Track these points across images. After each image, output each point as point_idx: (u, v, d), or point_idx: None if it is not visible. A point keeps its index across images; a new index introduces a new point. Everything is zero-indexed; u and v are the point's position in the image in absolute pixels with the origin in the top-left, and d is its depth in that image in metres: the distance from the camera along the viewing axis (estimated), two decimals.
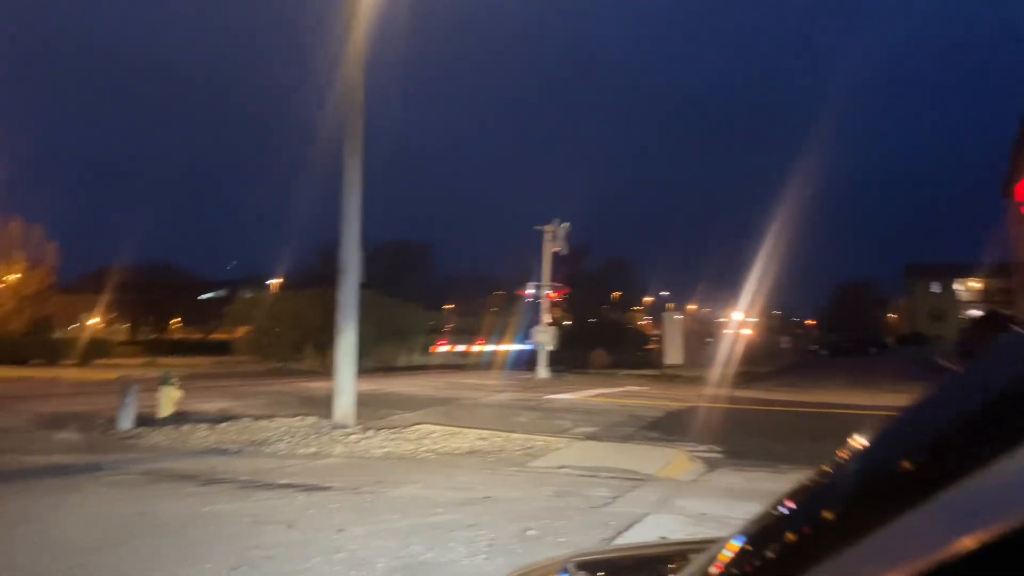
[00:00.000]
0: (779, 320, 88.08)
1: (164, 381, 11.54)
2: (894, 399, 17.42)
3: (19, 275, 40.02)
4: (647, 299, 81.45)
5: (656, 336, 52.98)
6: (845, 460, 0.71)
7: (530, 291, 27.27)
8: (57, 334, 48.79)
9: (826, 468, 0.73)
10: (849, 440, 0.72)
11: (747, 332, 46.33)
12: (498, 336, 42.32)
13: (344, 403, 10.91)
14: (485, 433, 10.26)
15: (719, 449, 9.53)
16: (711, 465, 8.32)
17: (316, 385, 18.58)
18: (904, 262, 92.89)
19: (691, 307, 56.82)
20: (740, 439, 10.67)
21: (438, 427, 10.80)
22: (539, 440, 9.78)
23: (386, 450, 8.97)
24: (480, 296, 72.23)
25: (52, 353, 32.75)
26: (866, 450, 0.70)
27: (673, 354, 31.90)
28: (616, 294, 79.64)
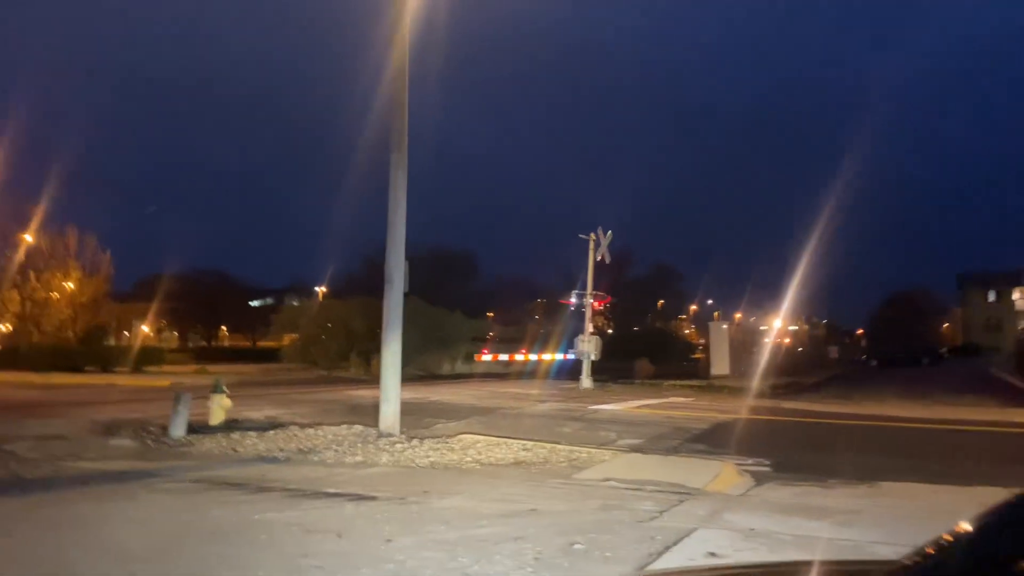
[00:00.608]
0: (827, 330, 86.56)
1: (215, 389, 11.75)
2: (948, 412, 17.00)
3: (74, 284, 41.21)
4: (692, 307, 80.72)
5: (702, 345, 52.44)
6: (949, 544, 0.66)
7: (573, 300, 27.14)
8: (111, 341, 50.04)
9: (929, 550, 0.68)
10: (954, 525, 0.68)
11: (794, 342, 45.65)
12: (540, 345, 42.29)
13: (389, 412, 11.02)
14: (529, 444, 10.26)
15: (767, 462, 9.39)
16: (759, 479, 8.20)
17: (361, 393, 18.77)
18: (958, 270, 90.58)
19: (737, 316, 56.08)
20: (788, 452, 10.51)
21: (482, 437, 10.83)
22: (583, 452, 9.74)
23: (431, 460, 9.02)
24: (522, 304, 72.30)
25: (106, 360, 33.55)
26: (975, 537, 0.65)
27: (719, 364, 31.55)
28: (661, 302, 79.05)
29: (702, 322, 62.48)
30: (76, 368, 31.43)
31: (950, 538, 0.67)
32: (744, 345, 34.60)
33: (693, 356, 53.66)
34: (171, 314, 60.01)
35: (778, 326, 40.83)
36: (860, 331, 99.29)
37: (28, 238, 37.79)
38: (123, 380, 25.98)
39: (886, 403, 19.95)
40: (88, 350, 36.55)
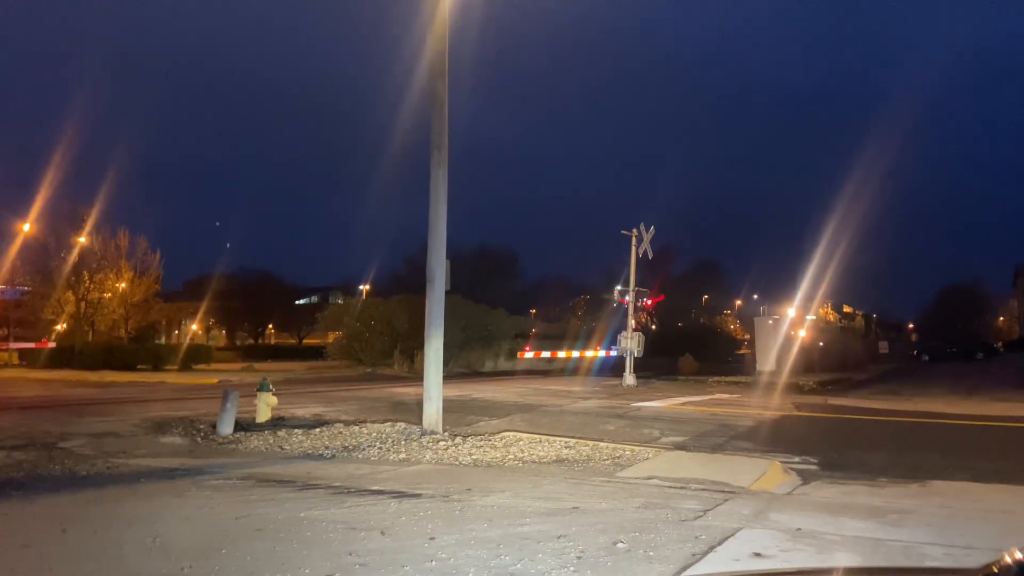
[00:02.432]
0: (877, 324, 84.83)
1: (261, 387, 11.95)
2: (1002, 409, 16.55)
3: (126, 284, 42.20)
4: (737, 302, 79.66)
5: (747, 341, 51.76)
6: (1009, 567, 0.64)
7: (627, 298, 26.93)
8: (161, 340, 51.13)
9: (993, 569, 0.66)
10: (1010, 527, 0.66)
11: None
12: (583, 342, 42.15)
13: (432, 410, 11.09)
14: (571, 441, 10.25)
15: (814, 460, 9.25)
16: (806, 477, 8.07)
17: (404, 390, 18.92)
18: (1015, 262, 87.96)
19: (784, 310, 55.18)
20: (836, 450, 10.32)
21: (524, 435, 10.85)
22: (626, 449, 9.70)
23: (474, 457, 9.05)
24: (565, 301, 72.16)
25: (157, 358, 34.23)
26: None
27: (765, 360, 31.10)
28: (705, 298, 78.20)
29: (747, 317, 61.64)
30: (128, 366, 32.12)
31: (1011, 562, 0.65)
32: (790, 340, 34.01)
33: (738, 352, 53.01)
34: (219, 313, 61.13)
35: (832, 322, 39.94)
36: (911, 325, 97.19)
37: (82, 240, 38.78)
38: (173, 378, 26.52)
39: (937, 399, 19.49)
40: (139, 348, 37.38)
